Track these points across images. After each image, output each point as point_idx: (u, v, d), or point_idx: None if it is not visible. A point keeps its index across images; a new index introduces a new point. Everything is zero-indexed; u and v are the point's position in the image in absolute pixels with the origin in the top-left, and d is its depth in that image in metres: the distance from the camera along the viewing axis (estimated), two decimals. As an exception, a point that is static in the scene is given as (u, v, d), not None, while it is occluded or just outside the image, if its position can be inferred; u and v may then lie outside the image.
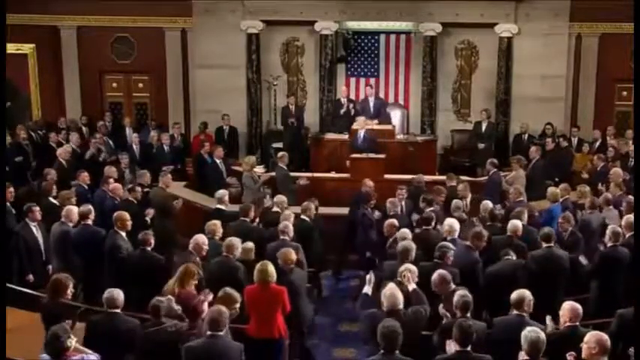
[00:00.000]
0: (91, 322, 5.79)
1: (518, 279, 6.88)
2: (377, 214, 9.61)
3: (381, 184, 10.57)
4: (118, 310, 5.81)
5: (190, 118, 15.21)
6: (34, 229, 8.32)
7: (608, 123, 14.22)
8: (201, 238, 7.43)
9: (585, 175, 11.53)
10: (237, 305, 5.91)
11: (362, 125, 12.29)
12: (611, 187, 9.97)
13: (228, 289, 5.96)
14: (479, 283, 6.98)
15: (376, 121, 13.01)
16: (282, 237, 7.94)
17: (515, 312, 5.80)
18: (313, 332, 8.42)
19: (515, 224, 7.96)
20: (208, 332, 5.26)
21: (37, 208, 8.37)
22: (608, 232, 7.52)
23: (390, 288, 5.92)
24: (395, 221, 8.49)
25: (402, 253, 7.13)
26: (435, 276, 6.37)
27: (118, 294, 5.84)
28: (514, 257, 7.23)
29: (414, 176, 10.80)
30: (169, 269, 7.60)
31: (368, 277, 6.55)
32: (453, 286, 6.29)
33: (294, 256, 7.09)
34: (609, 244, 7.43)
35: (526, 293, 5.82)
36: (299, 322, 7.07)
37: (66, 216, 8.29)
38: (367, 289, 6.44)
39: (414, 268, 6.52)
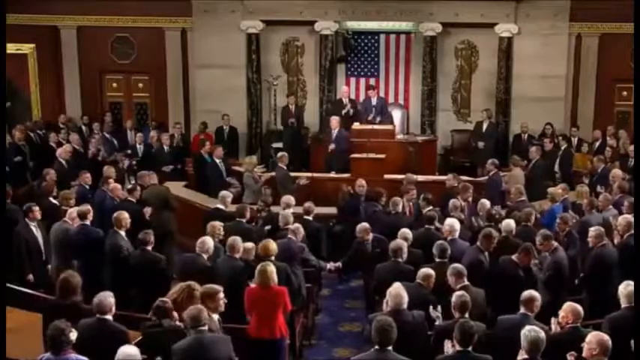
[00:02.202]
0: (80, 325, 5.55)
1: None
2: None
3: (381, 184, 10.56)
4: (109, 317, 5.64)
5: (190, 118, 15.19)
6: (33, 229, 8.33)
7: (608, 123, 14.19)
8: (208, 242, 7.41)
9: (585, 180, 11.48)
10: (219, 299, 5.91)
11: (335, 125, 12.42)
12: (614, 188, 9.92)
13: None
14: (482, 284, 6.97)
15: (378, 119, 13.07)
16: (289, 236, 7.98)
17: (522, 311, 5.81)
18: (313, 332, 8.46)
19: (509, 223, 7.99)
20: (192, 330, 5.31)
21: (37, 208, 8.37)
22: (591, 234, 7.50)
23: (396, 287, 5.94)
24: (367, 225, 8.49)
25: (394, 251, 7.19)
26: (450, 270, 6.45)
27: (108, 299, 5.67)
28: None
29: (403, 176, 10.80)
30: (169, 269, 7.66)
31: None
32: (465, 281, 6.36)
33: (274, 249, 7.17)
34: (597, 245, 7.42)
35: (535, 294, 5.86)
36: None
37: (69, 217, 8.31)
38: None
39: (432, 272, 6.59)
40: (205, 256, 7.34)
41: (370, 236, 8.36)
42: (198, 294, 5.98)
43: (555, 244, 7.51)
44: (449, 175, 10.89)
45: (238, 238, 7.37)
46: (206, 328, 5.35)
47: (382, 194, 9.80)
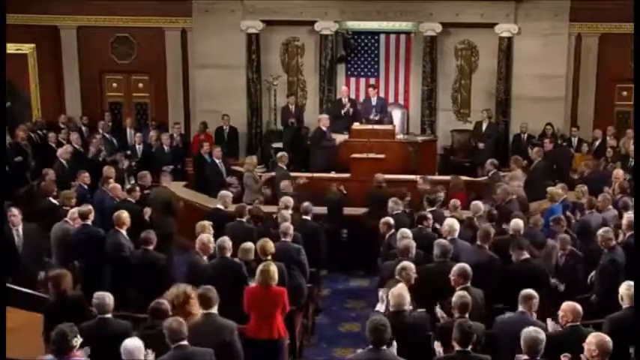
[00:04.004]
0: (83, 328, 5.43)
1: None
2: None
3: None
4: (109, 315, 5.73)
5: (190, 118, 15.20)
6: (14, 232, 8.06)
7: (608, 123, 14.18)
8: (205, 237, 7.45)
9: (576, 176, 11.46)
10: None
11: (327, 123, 12.58)
12: (615, 187, 9.92)
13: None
14: (492, 282, 6.94)
15: (377, 117, 13.12)
16: (283, 239, 7.89)
17: (520, 309, 5.82)
18: (314, 332, 8.46)
19: (517, 223, 7.98)
20: (172, 345, 5.11)
21: (16, 212, 8.12)
22: (601, 235, 7.44)
23: (399, 288, 5.94)
24: (390, 219, 8.48)
25: (402, 251, 7.16)
26: (458, 269, 6.37)
27: (109, 298, 5.74)
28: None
29: (403, 177, 10.79)
30: (170, 269, 7.65)
31: (380, 294, 6.39)
32: (468, 283, 6.33)
33: (272, 249, 7.16)
34: (610, 246, 7.37)
35: (534, 292, 5.86)
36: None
37: (71, 217, 8.30)
38: (380, 307, 6.26)
39: (411, 265, 6.52)
40: (204, 256, 7.34)
41: (391, 231, 8.25)
42: (193, 301, 5.81)
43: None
44: (419, 178, 10.65)
45: (227, 238, 7.34)
46: (186, 342, 5.14)
47: (406, 195, 9.75)
